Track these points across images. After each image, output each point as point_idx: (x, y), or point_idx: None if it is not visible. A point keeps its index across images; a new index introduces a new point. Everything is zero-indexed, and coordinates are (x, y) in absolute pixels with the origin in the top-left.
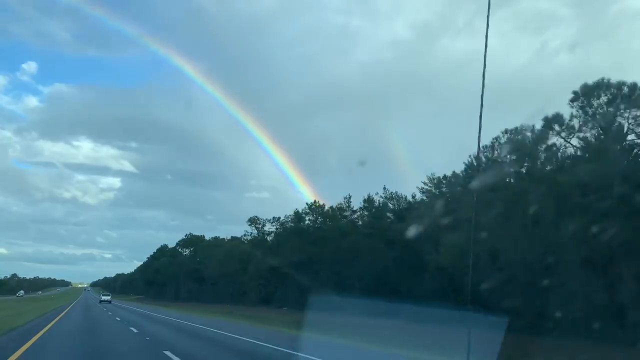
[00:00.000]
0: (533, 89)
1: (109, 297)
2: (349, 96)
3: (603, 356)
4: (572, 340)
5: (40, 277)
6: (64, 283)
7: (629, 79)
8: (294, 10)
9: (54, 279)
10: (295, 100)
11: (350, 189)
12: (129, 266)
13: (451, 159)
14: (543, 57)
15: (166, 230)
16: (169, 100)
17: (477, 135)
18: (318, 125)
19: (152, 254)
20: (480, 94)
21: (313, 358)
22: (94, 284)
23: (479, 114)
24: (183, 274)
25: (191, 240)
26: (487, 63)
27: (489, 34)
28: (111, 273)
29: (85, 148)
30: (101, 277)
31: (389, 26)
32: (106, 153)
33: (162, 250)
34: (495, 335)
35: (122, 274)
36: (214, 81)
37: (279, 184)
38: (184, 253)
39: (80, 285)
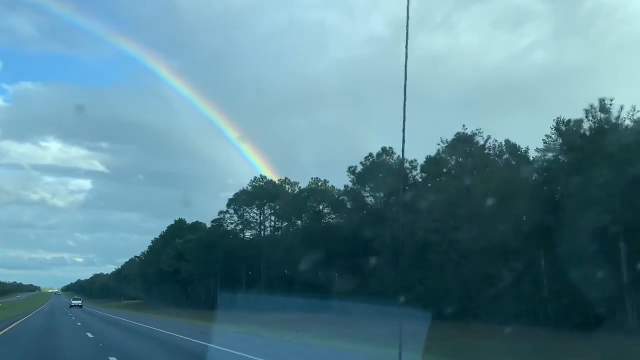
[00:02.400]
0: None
1: (80, 302)
2: (325, 93)
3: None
4: (496, 324)
5: (3, 282)
6: (31, 288)
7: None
8: (269, 5)
9: (20, 283)
10: (270, 97)
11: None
12: (102, 270)
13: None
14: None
15: (139, 233)
16: (140, 99)
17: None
18: (293, 123)
19: (160, 235)
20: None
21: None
22: (67, 288)
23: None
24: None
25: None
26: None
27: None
28: (84, 277)
29: (53, 149)
30: (74, 281)
31: (365, 22)
32: (76, 154)
33: (179, 227)
34: (422, 326)
35: (101, 275)
36: (187, 79)
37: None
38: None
39: (50, 290)
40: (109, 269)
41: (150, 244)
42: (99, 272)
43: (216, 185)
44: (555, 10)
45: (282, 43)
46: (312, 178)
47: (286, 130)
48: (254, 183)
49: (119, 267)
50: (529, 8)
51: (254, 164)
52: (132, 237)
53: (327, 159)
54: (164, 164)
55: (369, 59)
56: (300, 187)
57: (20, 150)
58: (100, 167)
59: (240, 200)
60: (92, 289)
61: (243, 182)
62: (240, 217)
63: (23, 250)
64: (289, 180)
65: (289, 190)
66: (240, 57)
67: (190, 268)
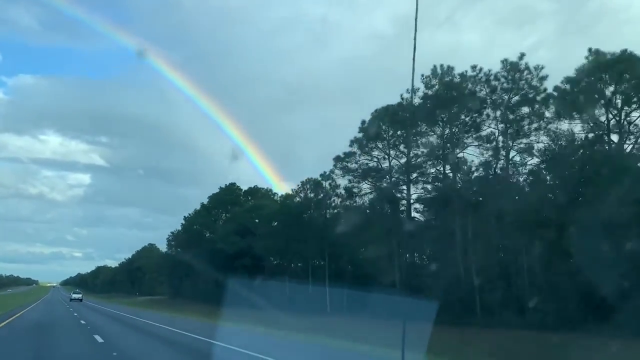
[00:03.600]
0: None
1: (80, 295)
2: (327, 91)
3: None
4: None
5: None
6: (29, 282)
7: None
8: (270, 1)
9: (17, 276)
10: (271, 94)
11: None
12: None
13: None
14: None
15: (138, 228)
16: (140, 93)
17: None
18: (295, 120)
19: (201, 207)
20: None
21: None
22: (66, 282)
23: None
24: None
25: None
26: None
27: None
28: (83, 271)
29: (52, 142)
30: (74, 274)
31: (368, 19)
32: (75, 148)
33: (232, 192)
34: (426, 325)
35: (105, 267)
36: (188, 73)
37: (255, 179)
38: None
39: (48, 284)
40: (111, 263)
41: (183, 222)
42: (102, 264)
43: (217, 181)
44: (559, 10)
45: (284, 38)
46: None
47: (287, 127)
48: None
49: (129, 256)
50: (534, 7)
51: (254, 162)
52: (131, 233)
53: (328, 156)
54: (164, 159)
55: (371, 55)
56: None
57: (19, 143)
58: (99, 162)
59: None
60: (94, 283)
61: (244, 178)
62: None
63: (21, 244)
64: None
65: None
66: (243, 52)
67: (270, 247)
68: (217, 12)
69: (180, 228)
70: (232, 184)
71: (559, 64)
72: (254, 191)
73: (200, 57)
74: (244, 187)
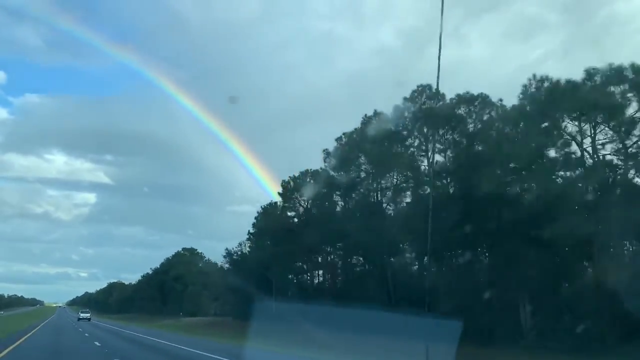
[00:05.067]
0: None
1: (88, 315)
2: (333, 106)
3: None
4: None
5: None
6: (34, 302)
7: None
8: (276, 16)
9: (21, 296)
10: (277, 110)
11: None
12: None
13: None
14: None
15: (144, 247)
16: (145, 111)
17: None
18: (299, 135)
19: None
20: None
21: None
22: (73, 302)
23: None
24: None
25: None
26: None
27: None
28: (90, 290)
29: (58, 162)
30: (80, 294)
31: (374, 33)
32: (80, 166)
33: None
34: (450, 345)
35: (119, 284)
36: (192, 91)
37: (260, 196)
38: None
39: (54, 305)
40: (126, 279)
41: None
42: (115, 281)
43: (222, 199)
44: (567, 21)
45: (289, 54)
46: None
47: (291, 141)
48: None
49: (157, 267)
50: (542, 19)
51: (257, 177)
52: (136, 252)
53: None
54: (170, 176)
55: (377, 69)
56: None
57: (24, 163)
58: (104, 180)
59: None
60: (107, 302)
61: (250, 195)
62: None
63: (27, 265)
64: None
65: None
66: (247, 68)
67: None
68: (223, 29)
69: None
70: None
71: (567, 76)
72: None
73: (205, 74)
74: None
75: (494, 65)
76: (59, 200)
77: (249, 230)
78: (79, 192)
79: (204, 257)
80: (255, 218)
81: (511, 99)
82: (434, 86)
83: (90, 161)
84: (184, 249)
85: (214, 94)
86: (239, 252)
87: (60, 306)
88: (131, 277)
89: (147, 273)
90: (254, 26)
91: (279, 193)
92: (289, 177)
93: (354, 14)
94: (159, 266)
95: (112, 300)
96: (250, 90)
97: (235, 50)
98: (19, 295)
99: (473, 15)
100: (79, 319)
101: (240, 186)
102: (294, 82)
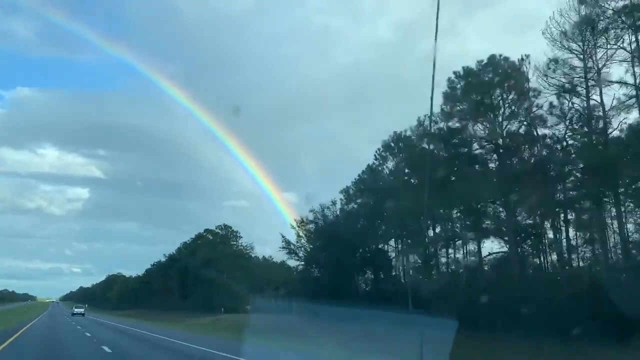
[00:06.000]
0: None
1: (82, 310)
2: (329, 100)
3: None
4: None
5: None
6: (26, 297)
7: None
8: (272, 10)
9: (12, 291)
10: (273, 105)
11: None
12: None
13: None
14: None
15: (138, 243)
16: (139, 105)
17: None
18: (295, 131)
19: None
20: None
21: None
22: (66, 297)
23: None
24: None
25: None
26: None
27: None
28: (85, 285)
29: (50, 156)
30: (73, 290)
31: (371, 27)
32: (73, 161)
33: None
34: (446, 336)
35: (120, 276)
36: (187, 85)
37: (256, 192)
38: None
39: (47, 300)
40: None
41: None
42: (116, 273)
43: (218, 194)
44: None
45: (285, 47)
46: None
47: (287, 137)
48: None
49: (173, 252)
50: (538, 13)
51: (252, 174)
52: (130, 247)
53: (329, 167)
54: (164, 171)
55: (373, 63)
56: None
57: (16, 157)
58: (98, 175)
59: None
60: (106, 297)
61: (247, 189)
62: None
63: (20, 260)
64: None
65: None
66: (243, 62)
67: None
68: (218, 22)
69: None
70: None
71: None
72: None
73: (200, 69)
74: None
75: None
76: (52, 195)
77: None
78: (72, 186)
79: (241, 236)
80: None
81: None
82: None
83: (83, 156)
84: (217, 226)
85: (208, 88)
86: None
87: (53, 301)
88: (125, 273)
89: (159, 261)
90: (249, 20)
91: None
92: None
93: (350, 8)
94: (174, 252)
95: (112, 295)
96: (244, 85)
97: (229, 45)
98: (10, 291)
99: (469, 10)
100: (73, 314)
101: (237, 181)
102: (290, 77)
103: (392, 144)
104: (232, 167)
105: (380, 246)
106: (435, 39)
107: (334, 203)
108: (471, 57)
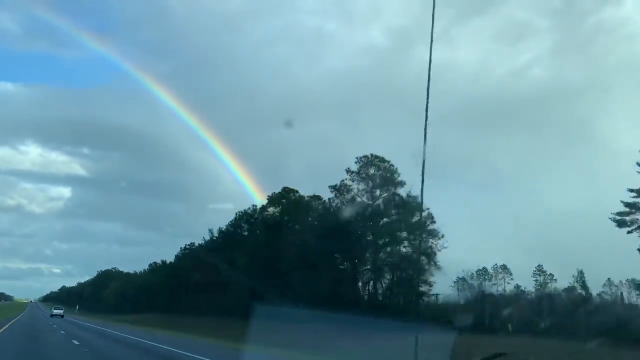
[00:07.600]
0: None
1: (61, 312)
2: (319, 105)
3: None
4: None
5: None
6: (3, 297)
7: None
8: (265, 11)
9: None
10: (260, 107)
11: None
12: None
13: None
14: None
15: (120, 244)
16: (124, 104)
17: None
18: (285, 135)
19: None
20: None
21: None
22: (46, 298)
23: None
24: None
25: None
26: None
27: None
28: (68, 285)
29: (32, 153)
30: (51, 291)
31: (364, 31)
32: (55, 159)
33: None
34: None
35: (118, 272)
36: (174, 84)
37: (242, 195)
38: None
39: (25, 301)
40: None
41: None
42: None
43: (203, 196)
44: (556, 27)
45: (277, 49)
46: None
47: (274, 141)
48: None
49: (188, 244)
50: (531, 24)
51: (239, 179)
52: (112, 248)
53: (318, 172)
54: (148, 172)
55: (366, 68)
56: None
57: None
58: (80, 174)
59: None
60: (95, 297)
61: (232, 192)
62: None
63: None
64: None
65: None
66: (232, 63)
67: None
68: (209, 22)
69: None
70: None
71: (553, 82)
72: None
73: (188, 68)
74: None
75: (482, 68)
76: (33, 193)
77: None
78: (54, 185)
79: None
80: None
81: None
82: None
83: (65, 154)
84: (284, 188)
85: (194, 89)
86: None
87: (32, 302)
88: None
89: (186, 247)
90: (240, 21)
91: None
92: None
93: (343, 11)
94: (215, 235)
95: (108, 294)
96: (233, 87)
97: (219, 45)
98: None
99: (462, 18)
100: (52, 315)
101: (222, 183)
102: (280, 80)
103: None
104: (218, 169)
105: None
106: (430, 56)
107: None
108: (462, 64)
